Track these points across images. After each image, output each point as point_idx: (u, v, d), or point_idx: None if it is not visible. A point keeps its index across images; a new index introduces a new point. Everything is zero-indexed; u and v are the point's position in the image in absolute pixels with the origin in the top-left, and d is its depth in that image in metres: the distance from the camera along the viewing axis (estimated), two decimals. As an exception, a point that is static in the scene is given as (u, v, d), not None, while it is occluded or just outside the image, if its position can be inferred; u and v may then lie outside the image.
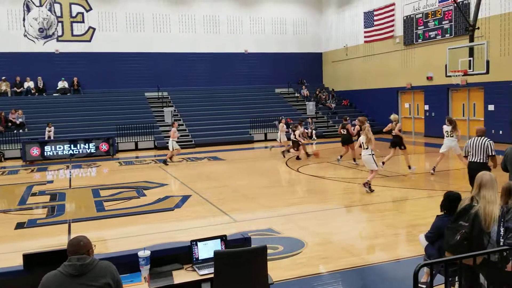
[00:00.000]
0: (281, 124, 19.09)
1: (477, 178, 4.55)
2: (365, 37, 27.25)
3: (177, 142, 17.28)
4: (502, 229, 4.71)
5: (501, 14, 18.92)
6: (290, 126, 18.61)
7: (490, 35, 19.16)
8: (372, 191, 10.78)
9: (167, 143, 17.83)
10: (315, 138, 24.65)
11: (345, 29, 29.50)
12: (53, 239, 8.03)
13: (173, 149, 16.98)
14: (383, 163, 13.59)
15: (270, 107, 27.67)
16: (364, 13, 27.15)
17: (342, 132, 15.88)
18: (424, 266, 3.48)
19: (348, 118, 16.53)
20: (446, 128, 12.70)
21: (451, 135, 12.59)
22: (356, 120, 14.60)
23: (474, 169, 7.67)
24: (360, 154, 11.46)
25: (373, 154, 10.90)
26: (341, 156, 15.93)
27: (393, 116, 14.29)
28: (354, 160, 15.52)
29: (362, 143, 10.99)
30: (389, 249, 6.95)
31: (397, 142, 13.88)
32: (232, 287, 3.81)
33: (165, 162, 16.86)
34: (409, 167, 13.57)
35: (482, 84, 19.83)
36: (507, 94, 18.78)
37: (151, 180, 13.51)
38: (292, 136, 17.41)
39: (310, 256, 6.62)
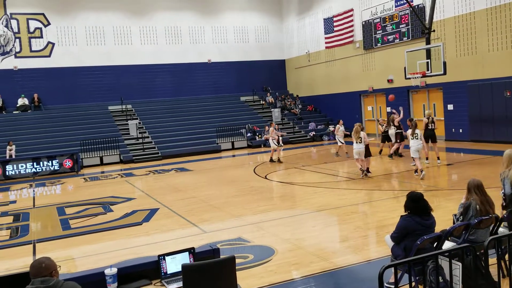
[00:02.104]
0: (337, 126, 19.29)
1: (509, 155, 6.07)
2: (326, 43, 27.68)
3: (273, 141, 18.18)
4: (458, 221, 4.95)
5: (455, 16, 19.57)
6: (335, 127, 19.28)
7: (445, 37, 19.79)
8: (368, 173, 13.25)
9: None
10: (282, 144, 24.76)
11: (306, 36, 29.90)
12: (18, 261, 7.80)
13: (276, 147, 17.51)
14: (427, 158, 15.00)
15: (236, 115, 27.71)
16: (324, 19, 27.59)
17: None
18: (388, 268, 3.54)
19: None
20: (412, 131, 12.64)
21: (416, 137, 12.54)
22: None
23: None
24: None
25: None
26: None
27: (427, 112, 16.05)
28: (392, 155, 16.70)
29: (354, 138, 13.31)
30: (358, 251, 7.04)
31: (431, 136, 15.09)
32: (202, 300, 3.78)
33: (279, 160, 18.10)
34: (438, 158, 15.04)
35: (441, 85, 20.43)
36: (465, 93, 19.40)
37: (117, 195, 13.29)
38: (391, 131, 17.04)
39: (280, 263, 6.65)
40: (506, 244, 5.26)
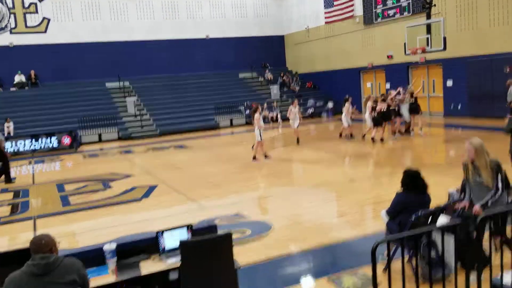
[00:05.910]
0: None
1: None
2: (325, 18, 27.39)
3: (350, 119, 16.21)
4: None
5: (455, -9, 19.34)
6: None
7: (446, 11, 19.58)
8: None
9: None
10: (281, 121, 24.76)
11: (305, 11, 29.57)
12: (19, 236, 7.89)
13: (348, 125, 16.10)
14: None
15: (234, 92, 27.62)
16: (324, -7, 27.27)
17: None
18: (381, 243, 3.60)
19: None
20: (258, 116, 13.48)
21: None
22: None
23: None
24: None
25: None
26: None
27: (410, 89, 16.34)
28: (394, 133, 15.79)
29: None
30: (355, 226, 7.13)
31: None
32: (199, 275, 3.86)
33: (351, 135, 16.27)
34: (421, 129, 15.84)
35: (440, 61, 20.32)
36: (464, 69, 19.31)
37: (117, 171, 13.35)
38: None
39: (277, 237, 6.74)
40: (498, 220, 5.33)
